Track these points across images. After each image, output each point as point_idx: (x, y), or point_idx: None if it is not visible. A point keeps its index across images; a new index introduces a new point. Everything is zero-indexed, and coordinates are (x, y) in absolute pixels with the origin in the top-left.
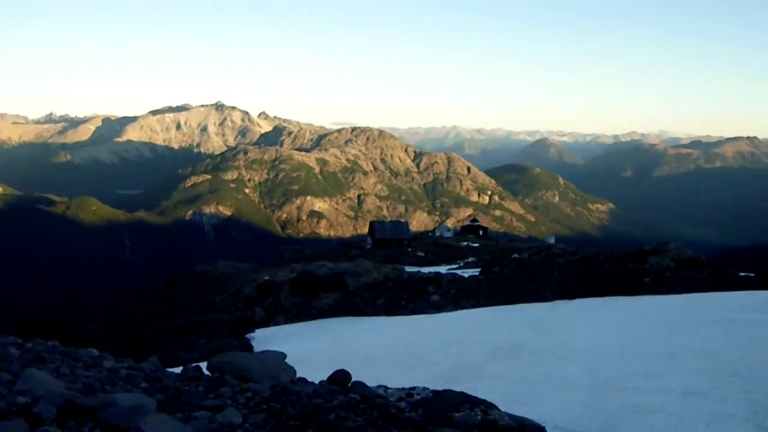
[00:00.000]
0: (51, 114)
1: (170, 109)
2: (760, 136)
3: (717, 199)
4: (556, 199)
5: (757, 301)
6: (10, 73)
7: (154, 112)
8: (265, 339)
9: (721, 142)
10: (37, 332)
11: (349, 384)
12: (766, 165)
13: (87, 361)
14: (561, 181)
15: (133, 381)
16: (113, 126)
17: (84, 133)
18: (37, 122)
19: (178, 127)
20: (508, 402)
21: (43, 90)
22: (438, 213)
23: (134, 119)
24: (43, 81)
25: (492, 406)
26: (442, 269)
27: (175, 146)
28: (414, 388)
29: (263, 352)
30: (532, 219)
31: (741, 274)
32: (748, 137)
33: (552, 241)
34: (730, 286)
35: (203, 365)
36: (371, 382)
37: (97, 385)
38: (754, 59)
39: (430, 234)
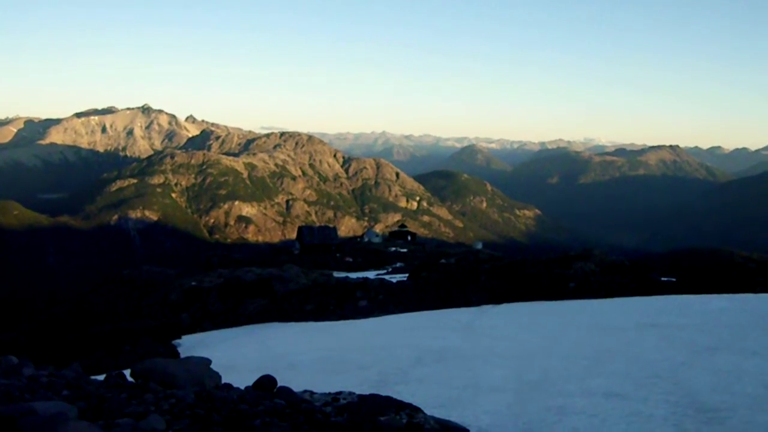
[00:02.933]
0: None
1: (95, 112)
2: (682, 145)
3: (640, 206)
4: (484, 205)
5: (678, 305)
6: None
7: (78, 115)
8: (191, 345)
9: (644, 150)
10: None
11: (275, 389)
12: (687, 173)
13: (5, 368)
14: (488, 187)
15: (54, 388)
16: (36, 128)
17: (5, 135)
18: None
19: (104, 130)
20: (434, 406)
21: None
22: (366, 218)
23: (58, 121)
24: None
25: (417, 409)
26: (371, 274)
27: (101, 149)
28: (340, 392)
29: (188, 358)
30: (460, 225)
31: (663, 278)
32: (671, 146)
33: (479, 246)
34: (652, 291)
35: (127, 372)
36: (297, 388)
37: (17, 393)
38: (677, 70)
39: (358, 239)
